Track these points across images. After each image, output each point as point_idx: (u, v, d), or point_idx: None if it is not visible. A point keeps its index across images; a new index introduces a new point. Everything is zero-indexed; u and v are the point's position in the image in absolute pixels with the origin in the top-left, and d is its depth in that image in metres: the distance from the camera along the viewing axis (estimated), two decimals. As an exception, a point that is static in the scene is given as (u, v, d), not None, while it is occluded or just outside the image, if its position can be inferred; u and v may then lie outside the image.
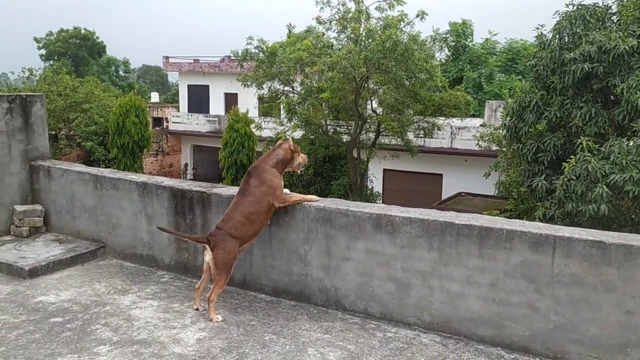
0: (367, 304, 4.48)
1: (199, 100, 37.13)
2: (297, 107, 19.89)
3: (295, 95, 20.65)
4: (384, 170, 25.47)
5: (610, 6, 12.52)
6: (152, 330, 4.20)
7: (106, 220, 5.96)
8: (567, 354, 3.72)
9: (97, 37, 57.10)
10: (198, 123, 34.31)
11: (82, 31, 55.61)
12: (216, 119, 33.72)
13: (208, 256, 4.41)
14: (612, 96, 12.10)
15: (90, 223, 6.12)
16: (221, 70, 35.67)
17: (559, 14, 12.49)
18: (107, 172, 6.10)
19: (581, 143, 11.43)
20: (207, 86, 36.82)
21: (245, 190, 4.50)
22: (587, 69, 11.35)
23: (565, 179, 11.52)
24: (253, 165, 4.64)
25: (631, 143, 11.50)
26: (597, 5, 12.39)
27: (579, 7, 12.29)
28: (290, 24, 20.49)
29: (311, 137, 21.41)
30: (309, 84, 19.63)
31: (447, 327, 4.15)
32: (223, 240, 4.36)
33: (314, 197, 4.76)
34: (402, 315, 4.33)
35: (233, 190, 5.16)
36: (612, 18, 12.49)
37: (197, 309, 4.57)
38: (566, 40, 12.25)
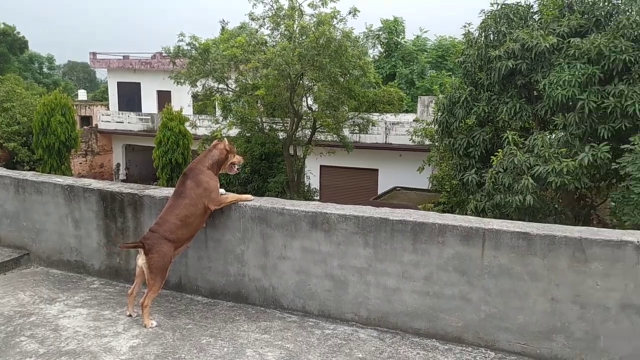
0: (305, 302, 4.47)
1: (130, 98, 35.96)
2: (232, 104, 19.64)
3: (230, 92, 20.38)
4: (321, 166, 25.61)
5: (532, 5, 13.09)
6: (81, 339, 4.02)
7: (30, 226, 5.66)
8: (497, 342, 3.86)
9: (18, 33, 54.14)
10: (130, 122, 33.24)
11: (1, 26, 52.55)
12: (149, 117, 32.79)
13: (141, 260, 4.27)
14: (535, 92, 12.64)
15: (13, 229, 5.79)
16: (153, 67, 34.70)
17: (484, 12, 12.92)
18: (29, 176, 5.79)
19: (507, 137, 11.89)
20: (139, 83, 35.72)
21: (180, 192, 4.39)
22: (511, 65, 11.81)
23: (494, 172, 11.94)
24: (189, 167, 4.54)
25: (553, 136, 12.08)
26: (520, 4, 12.92)
27: (503, 6, 12.77)
28: (224, 20, 20.21)
29: (247, 134, 21.22)
30: (243, 81, 19.43)
31: (383, 322, 4.20)
32: (158, 243, 4.23)
33: (249, 196, 4.71)
34: (339, 312, 4.35)
35: (166, 191, 5.02)
36: (534, 17, 13.07)
37: (130, 315, 4.42)
38: (492, 38, 12.70)
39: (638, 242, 3.44)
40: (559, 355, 3.69)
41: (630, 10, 11.45)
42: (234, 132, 21.13)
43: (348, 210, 4.32)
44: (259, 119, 20.67)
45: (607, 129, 11.18)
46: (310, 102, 20.89)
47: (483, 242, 3.82)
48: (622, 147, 10.31)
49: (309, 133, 21.26)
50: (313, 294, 4.43)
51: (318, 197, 24.53)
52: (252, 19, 18.90)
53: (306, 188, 23.35)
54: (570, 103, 11.36)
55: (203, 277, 4.83)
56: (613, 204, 12.04)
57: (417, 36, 34.66)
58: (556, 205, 12.51)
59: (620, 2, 11.82)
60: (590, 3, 12.05)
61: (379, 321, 4.22)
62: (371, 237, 4.16)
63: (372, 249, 4.16)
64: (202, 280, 4.84)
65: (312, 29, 17.07)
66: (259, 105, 20.58)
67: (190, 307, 4.64)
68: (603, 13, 11.71)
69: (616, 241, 3.49)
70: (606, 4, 11.87)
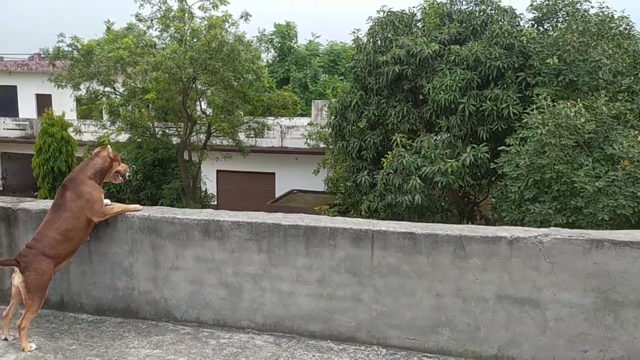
0: (199, 312, 4.37)
1: (4, 102, 33.21)
2: (120, 109, 18.78)
3: (118, 96, 19.48)
4: (218, 171, 25.19)
5: (416, 13, 13.76)
6: (-52, 371, 3.65)
7: None
8: (389, 339, 4.00)
9: None
10: (5, 128, 30.68)
11: None
12: (27, 122, 30.46)
13: (17, 279, 3.95)
14: (420, 95, 13.31)
15: None
16: (31, 69, 32.30)
17: (372, 19, 13.39)
18: None
19: (396, 139, 12.41)
20: (15, 87, 33.11)
21: (60, 205, 4.11)
22: (398, 70, 12.34)
23: (385, 173, 12.41)
24: (68, 177, 4.26)
25: (438, 138, 12.77)
26: (404, 12, 13.52)
27: (389, 13, 13.30)
28: (109, 21, 19.25)
29: (138, 140, 20.39)
30: (132, 84, 18.64)
31: (279, 327, 4.21)
32: (35, 260, 3.93)
33: (137, 206, 4.52)
34: (235, 320, 4.30)
35: (44, 204, 4.69)
36: (418, 24, 13.74)
37: (6, 339, 4.07)
38: (379, 44, 13.19)
39: (511, 237, 3.71)
40: (444, 348, 3.90)
41: (502, 20, 12.39)
42: (123, 137, 20.22)
43: (241, 217, 4.28)
44: (150, 124, 19.94)
45: (486, 130, 12.01)
46: (204, 106, 20.49)
47: (372, 243, 3.94)
48: (499, 148, 11.08)
49: (204, 138, 20.85)
50: (207, 303, 4.34)
51: (215, 203, 24.12)
52: (140, 20, 18.20)
53: (203, 194, 22.87)
54: (453, 106, 12.07)
55: (88, 293, 4.57)
56: (494, 199, 12.95)
57: (310, 41, 35.20)
58: (443, 204, 13.22)
59: (493, 12, 12.75)
60: (468, 13, 12.88)
61: (275, 326, 4.22)
62: (265, 242, 4.15)
63: (266, 255, 4.16)
64: (86, 296, 4.57)
65: (204, 32, 16.76)
66: (149, 109, 19.85)
67: (74, 326, 4.37)
68: (479, 22, 12.56)
69: (491, 237, 3.74)
70: (481, 14, 12.76)
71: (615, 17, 12.55)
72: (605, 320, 3.57)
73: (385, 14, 13.35)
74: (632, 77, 11.61)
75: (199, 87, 19.13)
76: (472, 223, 16.52)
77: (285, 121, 23.32)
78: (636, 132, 9.94)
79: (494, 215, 13.92)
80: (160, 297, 4.43)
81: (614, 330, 3.56)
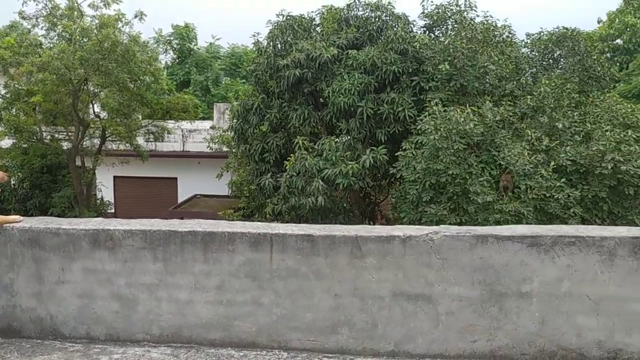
0: (89, 328, 4.13)
1: None
2: (2, 112, 17.39)
3: (0, 99, 18.03)
4: (115, 177, 24.05)
5: (314, 18, 13.93)
6: None
7: None
8: (289, 342, 4.00)
9: None
10: None
11: None
12: None
13: None
14: (321, 99, 13.44)
15: None
16: None
17: (271, 23, 13.39)
18: None
19: (298, 142, 12.47)
20: None
21: None
22: (298, 74, 12.39)
23: (288, 176, 12.39)
24: None
25: (339, 140, 12.98)
26: (303, 17, 13.64)
27: (288, 17, 13.36)
28: (-12, 17, 17.74)
29: (24, 146, 18.98)
30: (15, 86, 17.33)
31: (177, 337, 4.08)
32: None
33: (16, 217, 4.19)
34: (129, 333, 4.11)
35: None
36: (317, 29, 13.91)
37: None
38: (279, 48, 13.20)
39: (404, 236, 3.85)
40: (344, 347, 3.96)
41: (396, 27, 12.85)
42: (7, 143, 18.74)
43: (134, 225, 4.10)
44: (37, 129, 18.63)
45: (384, 133, 12.36)
46: (97, 109, 19.47)
47: (271, 246, 3.93)
48: (397, 154, 11.46)
49: (99, 142, 19.81)
50: (99, 317, 4.11)
51: (113, 210, 23.00)
52: (23, 18, 16.96)
53: (98, 201, 21.72)
54: (352, 109, 12.30)
55: (-38, 314, 4.17)
56: (394, 200, 13.36)
57: (210, 43, 34.63)
58: (345, 205, 13.44)
59: (388, 19, 13.20)
60: (364, 19, 13.23)
61: (173, 337, 4.08)
62: (160, 250, 4.00)
63: (162, 263, 4.01)
64: (-39, 318, 4.18)
65: (95, 31, 15.93)
66: (36, 112, 18.55)
67: (-54, 351, 3.97)
68: (375, 28, 12.94)
69: (386, 236, 3.86)
70: (377, 20, 13.14)
71: (499, 25, 13.44)
72: (491, 311, 3.80)
73: (285, 18, 13.39)
74: (515, 82, 12.46)
75: (92, 89, 18.15)
76: (374, 223, 16.98)
77: (186, 125, 22.74)
78: (523, 143, 10.61)
79: (394, 214, 14.37)
80: (45, 313, 4.14)
81: (499, 320, 3.80)
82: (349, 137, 12.42)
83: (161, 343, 4.08)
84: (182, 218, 20.16)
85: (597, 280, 3.67)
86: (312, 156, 12.25)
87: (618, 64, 27.43)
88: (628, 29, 30.37)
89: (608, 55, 27.86)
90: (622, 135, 10.65)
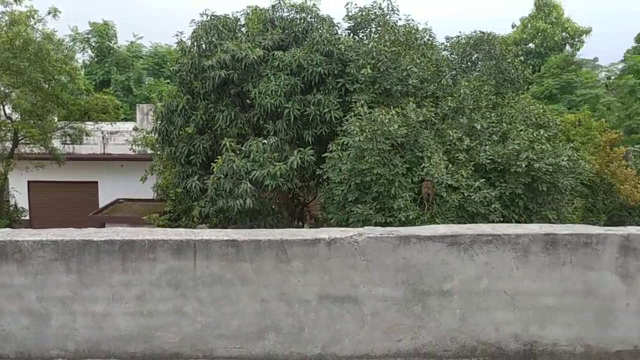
0: (-3, 347, 3.85)
1: None
2: None
3: None
4: (29, 182, 22.76)
5: (239, 18, 13.74)
6: None
7: None
8: (215, 350, 3.90)
9: None
10: None
11: None
12: None
13: None
14: (247, 100, 13.27)
15: None
16: None
17: (195, 22, 13.08)
18: None
19: (225, 144, 12.27)
20: None
21: None
22: (223, 75, 12.15)
23: (215, 178, 12.15)
24: None
25: (266, 142, 12.88)
26: (227, 17, 13.42)
27: (212, 17, 13.11)
28: None
29: None
30: None
31: (95, 352, 3.88)
32: None
33: None
34: (42, 350, 3.86)
35: None
36: (242, 29, 13.73)
37: None
38: (204, 48, 12.92)
39: (329, 238, 3.84)
40: (271, 352, 3.91)
41: (321, 28, 12.91)
42: None
43: (45, 236, 3.86)
44: (-59, 132, 17.32)
45: (311, 134, 12.36)
46: (9, 110, 18.32)
47: (194, 253, 3.81)
48: (324, 155, 11.52)
49: (10, 146, 18.65)
50: (7, 334, 3.84)
51: (27, 217, 21.73)
52: None
53: (12, 208, 20.46)
54: (279, 111, 12.23)
55: None
56: (322, 200, 13.42)
57: (131, 42, 33.42)
58: (273, 206, 13.36)
59: (313, 20, 13.24)
60: (289, 20, 13.19)
61: (90, 352, 3.88)
62: (74, 262, 3.79)
63: (77, 275, 3.80)
64: None
65: (5, 28, 14.97)
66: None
67: None
68: (300, 29, 12.93)
69: (311, 240, 3.84)
70: (302, 21, 13.14)
71: (420, 29, 13.80)
72: (415, 310, 3.87)
73: (209, 17, 13.12)
74: (436, 84, 12.83)
75: (2, 89, 17.05)
76: (303, 223, 17.02)
77: (107, 126, 21.85)
78: (440, 153, 10.93)
79: (322, 214, 14.48)
80: (-54, 334, 3.82)
81: (423, 318, 3.88)
82: (276, 138, 12.34)
83: (77, 359, 3.87)
84: (103, 224, 19.41)
85: (513, 276, 3.83)
86: (239, 158, 12.08)
87: (531, 66, 29.00)
88: (539, 34, 32.18)
89: (522, 58, 29.35)
90: (535, 135, 11.22)
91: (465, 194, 10.61)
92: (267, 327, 3.89)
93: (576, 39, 32.69)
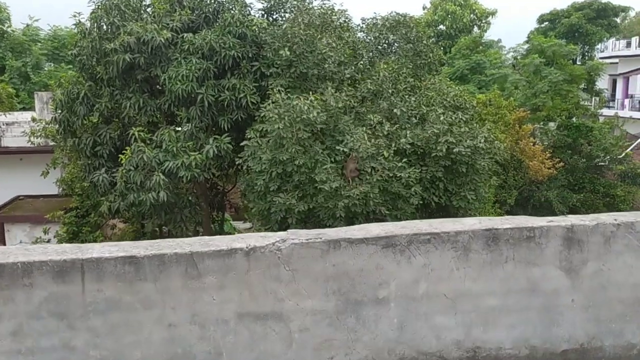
0: None
1: None
2: None
3: None
4: None
5: (144, -2, 12.69)
6: None
7: None
8: (115, 389, 3.23)
9: None
10: None
11: None
12: None
13: None
14: (157, 86, 12.39)
15: None
16: None
17: (94, 2, 11.90)
18: None
19: (134, 134, 11.36)
20: None
21: None
22: (128, 59, 11.23)
23: (124, 171, 11.33)
24: None
25: (180, 130, 12.08)
26: (131, -4, 12.33)
27: (113, -4, 11.98)
28: None
29: None
30: None
31: (-40, 404, 3.09)
32: None
33: None
34: None
35: None
36: (148, 10, 12.69)
37: None
38: (105, 30, 11.83)
39: (247, 247, 3.26)
40: (183, 384, 3.29)
41: (233, 9, 12.14)
42: None
43: None
44: None
45: (227, 120, 11.75)
46: None
47: (82, 275, 3.11)
48: (242, 143, 10.93)
49: None
50: None
51: None
52: None
53: None
54: (191, 97, 11.48)
55: None
56: (242, 189, 12.84)
57: (27, 25, 30.56)
58: (190, 198, 12.64)
59: (224, 0, 12.42)
60: (198, 0, 12.30)
61: (-45, 404, 3.09)
62: None
63: None
64: None
65: None
66: None
67: None
68: (211, 10, 12.11)
69: (226, 250, 3.24)
70: (213, 1, 12.31)
71: (335, 10, 13.33)
72: (348, 322, 3.38)
73: (110, -4, 11.98)
74: (353, 67, 12.47)
75: None
76: (223, 213, 16.32)
77: (1, 117, 19.83)
78: (364, 128, 10.62)
79: (244, 202, 13.98)
80: None
81: (357, 331, 3.40)
82: (190, 126, 11.72)
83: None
84: (1, 225, 17.62)
85: (454, 278, 3.43)
86: (150, 148, 11.36)
87: (442, 48, 29.46)
88: (449, 16, 32.78)
89: (433, 40, 29.79)
90: (453, 118, 11.14)
91: (390, 174, 10.36)
92: (177, 355, 3.26)
93: (483, 21, 33.60)
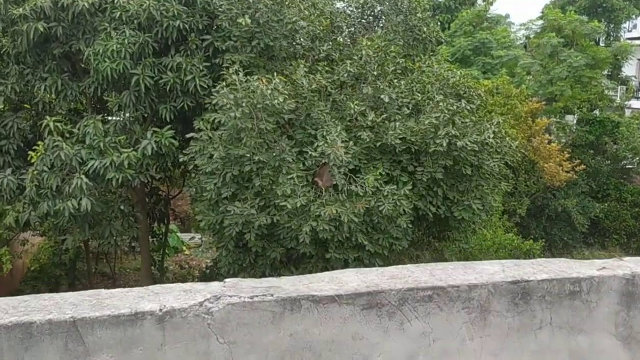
0: None
1: None
2: None
3: None
4: None
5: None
6: None
7: None
8: None
9: None
10: None
11: None
12: None
13: None
14: (81, 64, 11.85)
15: None
16: None
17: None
18: None
19: (48, 124, 10.77)
20: None
21: None
22: (42, 29, 10.71)
23: (35, 172, 10.90)
24: None
25: (109, 121, 11.55)
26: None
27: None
28: None
29: None
30: None
31: None
32: None
33: None
34: None
35: None
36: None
37: None
38: (12, -10, 11.16)
39: (162, 310, 2.61)
40: None
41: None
42: None
43: None
44: None
45: (170, 109, 11.32)
46: None
47: None
48: (188, 136, 10.59)
49: None
50: None
51: None
52: None
53: None
54: (124, 79, 10.99)
55: None
56: (190, 197, 12.27)
57: None
58: (122, 207, 12.07)
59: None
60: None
61: None
62: None
63: None
64: None
65: None
66: None
67: None
68: (150, -32, 11.49)
69: (129, 315, 2.58)
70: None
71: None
72: (312, 419, 2.76)
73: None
74: (331, 43, 11.99)
75: None
76: (166, 224, 15.66)
77: None
78: (339, 128, 10.18)
79: (194, 210, 13.59)
80: None
81: None
82: (122, 115, 11.41)
83: None
84: None
85: (466, 351, 2.83)
86: (70, 143, 10.87)
87: (440, 23, 29.15)
88: (448, -16, 32.53)
89: (429, 12, 29.48)
90: (455, 107, 10.69)
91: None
92: None
93: (489, -9, 33.40)
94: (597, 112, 24.68)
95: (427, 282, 2.82)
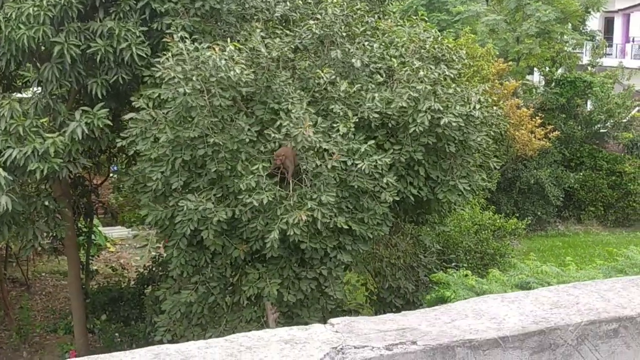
0: None
1: None
2: None
3: None
4: None
5: None
6: None
7: None
8: None
9: None
10: None
11: None
12: None
13: None
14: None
15: None
16: None
17: None
18: None
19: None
20: None
21: None
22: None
23: None
24: None
25: (28, 100, 11.20)
26: None
27: None
28: None
29: None
30: None
31: None
32: None
33: None
34: None
35: None
36: None
37: None
38: None
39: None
40: None
41: None
42: None
43: None
44: None
45: (101, 84, 11.12)
46: None
47: None
48: (127, 117, 10.49)
49: None
50: None
51: None
52: None
53: None
54: (44, 48, 10.89)
55: None
56: (128, 188, 11.94)
57: None
58: (46, 202, 11.73)
59: None
60: None
61: None
62: None
63: None
64: None
65: None
66: None
67: None
68: None
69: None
70: None
71: None
72: None
73: None
74: (288, 3, 11.78)
75: None
76: (91, 219, 15.19)
77: None
78: (304, 103, 10.05)
79: (118, 198, 13.22)
80: None
81: None
82: (43, 92, 11.22)
83: None
84: None
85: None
86: None
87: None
88: None
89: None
90: (437, 75, 10.66)
91: (348, 163, 9.86)
92: None
93: None
94: (560, 70, 25.30)
95: (607, 311, 2.61)
